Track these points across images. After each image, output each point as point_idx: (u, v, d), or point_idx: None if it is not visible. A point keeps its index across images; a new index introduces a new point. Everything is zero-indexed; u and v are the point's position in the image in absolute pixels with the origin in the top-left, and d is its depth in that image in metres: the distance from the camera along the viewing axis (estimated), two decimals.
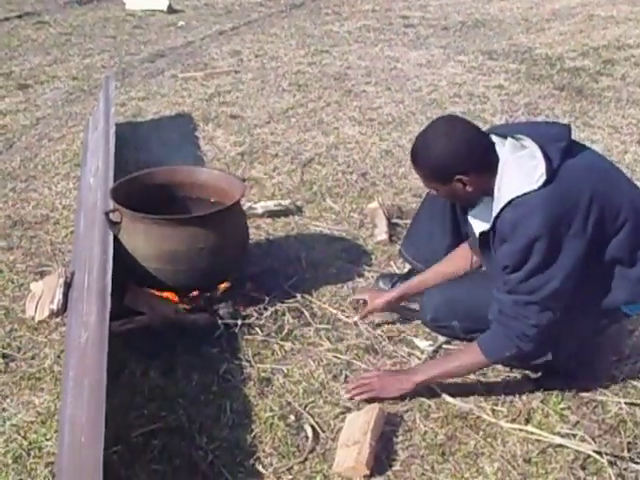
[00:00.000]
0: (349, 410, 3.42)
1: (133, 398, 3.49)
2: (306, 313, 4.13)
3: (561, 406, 3.48)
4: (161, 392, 3.54)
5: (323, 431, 3.33)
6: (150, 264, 3.89)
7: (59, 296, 4.08)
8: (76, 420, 3.03)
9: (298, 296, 4.25)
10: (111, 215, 3.95)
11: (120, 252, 3.83)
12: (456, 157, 3.22)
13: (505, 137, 3.29)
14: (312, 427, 3.33)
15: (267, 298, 4.16)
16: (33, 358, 3.77)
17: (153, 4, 10.92)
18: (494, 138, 3.31)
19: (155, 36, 9.59)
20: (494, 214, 3.20)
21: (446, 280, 3.80)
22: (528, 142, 3.22)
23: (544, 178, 3.10)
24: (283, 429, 3.33)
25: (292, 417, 3.40)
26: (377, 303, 3.96)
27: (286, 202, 5.12)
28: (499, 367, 3.64)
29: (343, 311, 4.14)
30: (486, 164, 3.24)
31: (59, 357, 3.75)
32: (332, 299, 4.25)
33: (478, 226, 3.41)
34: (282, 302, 4.17)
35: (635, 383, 3.64)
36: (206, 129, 6.56)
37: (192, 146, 6.20)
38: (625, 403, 3.51)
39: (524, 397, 3.54)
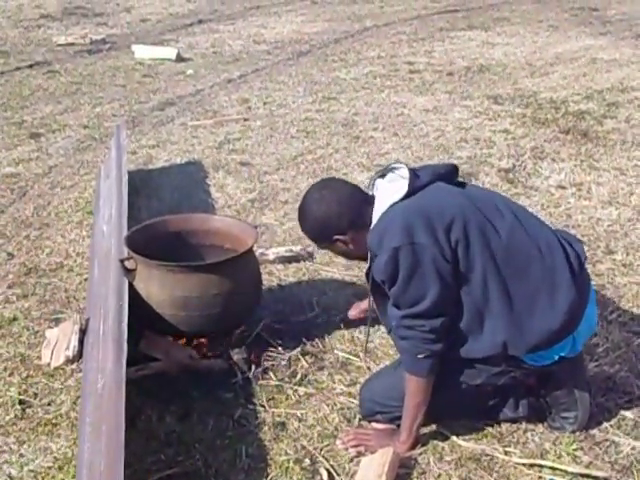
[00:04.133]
0: (364, 453, 3.45)
1: (150, 443, 3.53)
2: (319, 358, 4.17)
3: (573, 447, 3.51)
4: (177, 437, 3.58)
5: (338, 474, 3.37)
6: (164, 310, 3.94)
7: (74, 343, 4.13)
8: (94, 466, 3.06)
9: (311, 341, 4.30)
10: (126, 262, 4.00)
11: (134, 299, 3.88)
12: (328, 219, 3.41)
13: (385, 176, 3.44)
14: (327, 471, 3.37)
15: (281, 343, 4.21)
16: (49, 404, 3.82)
17: (162, 53, 11.02)
18: (378, 182, 3.46)
19: (164, 84, 9.68)
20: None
21: None
22: (403, 169, 3.38)
23: (405, 190, 3.26)
24: (299, 473, 3.37)
25: (307, 461, 3.44)
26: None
27: (297, 248, 5.17)
28: (509, 412, 3.66)
29: (356, 355, 4.18)
30: (361, 220, 3.37)
31: (75, 403, 3.79)
32: (345, 343, 4.29)
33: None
34: (295, 347, 4.22)
35: None
36: (216, 176, 6.62)
37: (203, 193, 6.27)
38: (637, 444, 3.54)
39: (536, 438, 3.58)
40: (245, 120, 8.14)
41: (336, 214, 3.39)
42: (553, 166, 6.80)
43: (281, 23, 13.60)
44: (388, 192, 3.33)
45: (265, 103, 8.76)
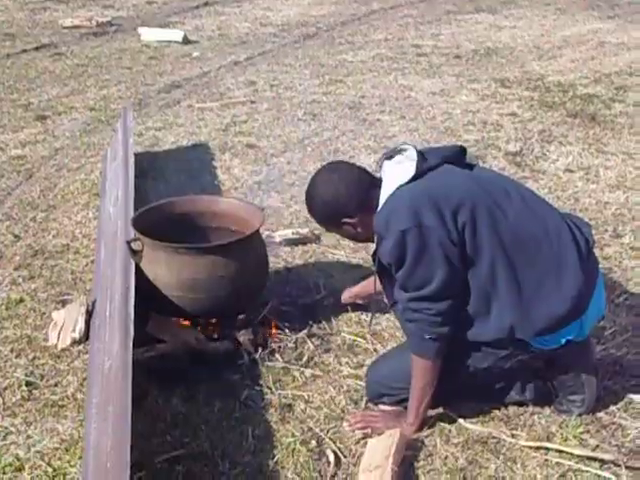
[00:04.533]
0: (370, 435, 3.45)
1: (156, 425, 3.53)
2: (326, 340, 4.17)
3: (580, 430, 3.51)
4: (183, 419, 3.58)
5: (345, 456, 3.37)
6: (171, 292, 3.93)
7: (81, 324, 4.13)
8: (101, 446, 3.07)
9: (318, 323, 4.29)
10: (133, 244, 4.00)
11: (141, 280, 3.88)
12: (336, 202, 3.38)
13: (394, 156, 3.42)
14: (334, 452, 3.37)
15: (287, 325, 4.20)
16: (56, 385, 3.82)
17: (168, 35, 11.00)
18: (385, 164, 3.43)
19: (171, 67, 9.66)
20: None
21: None
22: (410, 151, 3.35)
23: (412, 173, 3.23)
24: (305, 454, 3.36)
25: (314, 442, 3.44)
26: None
27: (304, 230, 5.16)
28: (516, 395, 3.65)
29: (363, 337, 4.17)
30: (369, 203, 3.35)
31: (82, 384, 3.80)
32: (351, 326, 4.28)
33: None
34: (302, 329, 4.21)
35: None
36: (223, 159, 6.61)
37: (209, 175, 6.26)
38: None
39: (543, 421, 3.57)
40: (252, 102, 8.14)
41: (344, 197, 3.36)
42: (561, 149, 6.79)
43: (287, 5, 13.57)
44: (395, 174, 3.31)
45: (272, 86, 8.75)
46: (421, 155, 3.30)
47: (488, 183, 3.37)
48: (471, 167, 3.46)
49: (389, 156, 3.44)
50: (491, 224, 3.23)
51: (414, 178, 3.24)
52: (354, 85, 8.73)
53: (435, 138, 7.02)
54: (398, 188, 3.25)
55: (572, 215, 3.80)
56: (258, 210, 4.35)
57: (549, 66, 9.62)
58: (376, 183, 3.38)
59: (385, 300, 3.73)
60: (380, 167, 3.46)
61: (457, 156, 3.42)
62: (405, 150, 3.39)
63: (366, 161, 6.38)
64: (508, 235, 3.25)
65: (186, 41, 10.84)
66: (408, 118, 7.59)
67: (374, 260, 3.43)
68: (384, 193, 3.31)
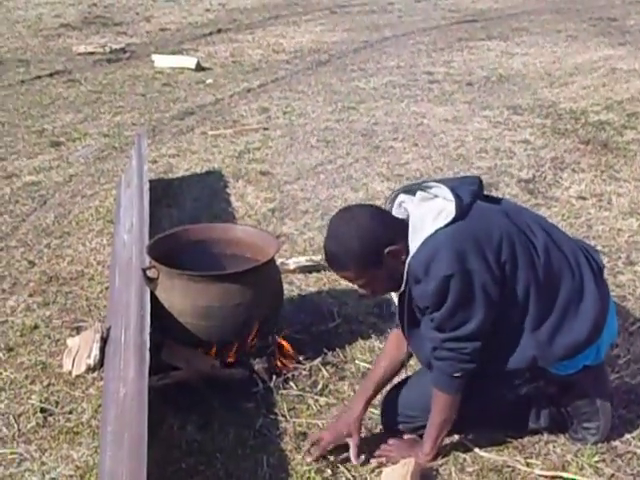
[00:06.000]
0: (385, 464, 3.45)
1: (171, 452, 3.54)
2: (340, 368, 4.17)
3: (595, 459, 3.50)
4: (198, 446, 3.58)
5: None
6: (186, 319, 3.95)
7: (96, 351, 4.14)
8: (116, 474, 3.08)
9: (332, 351, 4.30)
10: (148, 272, 4.02)
11: (156, 308, 3.89)
12: (374, 232, 3.23)
13: (414, 192, 3.34)
14: None
15: (301, 353, 4.21)
16: (71, 412, 3.84)
17: (182, 62, 11.05)
18: (403, 197, 3.37)
19: (184, 94, 9.70)
20: (407, 261, 3.21)
21: (391, 370, 3.65)
22: (437, 188, 3.26)
23: (453, 215, 3.16)
24: None
25: (329, 471, 3.44)
26: (354, 427, 3.53)
27: (317, 258, 5.16)
28: (531, 422, 3.65)
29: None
30: (400, 234, 3.25)
31: (96, 412, 3.81)
32: (365, 354, 4.29)
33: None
34: (316, 357, 4.21)
35: None
36: (237, 186, 6.63)
37: (223, 203, 6.28)
38: None
39: (558, 450, 3.57)
40: (265, 129, 8.16)
41: (378, 224, 3.26)
42: (573, 177, 6.79)
43: (300, 32, 13.61)
44: (427, 212, 3.23)
45: (285, 112, 8.77)
46: (455, 194, 3.21)
47: (515, 217, 3.35)
48: (495, 200, 3.46)
49: (407, 191, 3.39)
50: (528, 260, 3.24)
51: (454, 219, 3.18)
52: (367, 112, 8.75)
53: (448, 165, 7.04)
54: (437, 230, 3.16)
55: (581, 240, 3.82)
56: (273, 238, 4.37)
57: (561, 93, 9.63)
58: (400, 221, 3.31)
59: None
60: (394, 199, 3.42)
61: (481, 189, 3.40)
62: (430, 187, 3.30)
63: (379, 188, 6.42)
64: (541, 270, 3.26)
65: (199, 68, 10.89)
66: (421, 145, 7.59)
67: (401, 302, 3.38)
68: (418, 233, 3.21)
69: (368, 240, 3.23)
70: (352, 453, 3.50)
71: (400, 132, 8.00)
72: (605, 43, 12.62)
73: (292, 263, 5.12)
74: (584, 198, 6.34)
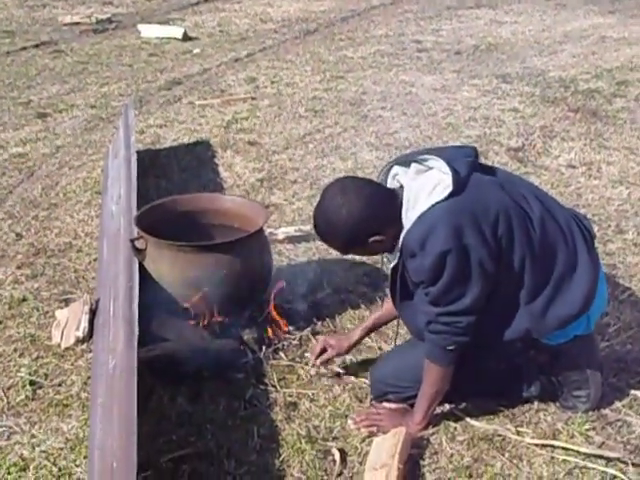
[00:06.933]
0: (376, 433, 3.44)
1: (161, 424, 3.52)
2: None
3: (586, 427, 3.51)
4: (189, 418, 3.57)
5: (350, 455, 3.36)
6: (175, 290, 3.93)
7: (84, 323, 4.12)
8: (107, 446, 3.06)
9: (322, 321, 4.29)
10: (136, 242, 3.99)
11: (145, 279, 3.87)
12: (362, 223, 3.20)
13: (408, 164, 3.29)
14: (339, 451, 3.36)
15: (291, 323, 4.20)
16: (60, 385, 3.81)
17: (168, 32, 11.00)
18: (397, 169, 3.33)
19: (171, 64, 9.65)
20: (402, 236, 3.19)
21: (389, 314, 3.77)
22: (433, 161, 3.22)
23: (450, 189, 3.11)
24: (310, 453, 3.36)
25: (319, 441, 3.43)
26: (344, 347, 3.85)
27: (307, 227, 5.13)
28: (522, 391, 3.65)
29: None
30: (393, 214, 3.22)
31: (86, 384, 3.79)
32: (355, 323, 4.27)
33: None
34: (306, 327, 4.20)
35: None
36: (225, 156, 6.60)
37: (211, 173, 6.25)
38: None
39: (549, 418, 3.57)
40: (253, 99, 8.13)
41: (369, 216, 3.22)
42: (563, 145, 6.78)
43: (288, 1, 13.56)
44: (422, 187, 3.18)
45: (273, 82, 8.74)
46: (453, 168, 3.16)
47: (510, 189, 3.31)
48: (490, 170, 3.42)
49: (402, 162, 3.35)
50: (524, 233, 3.21)
51: (451, 194, 3.12)
52: (355, 81, 8.72)
53: (436, 134, 7.02)
54: (434, 204, 3.11)
55: (572, 209, 3.79)
56: (262, 208, 4.34)
57: (550, 61, 9.61)
58: (394, 194, 3.28)
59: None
60: (387, 171, 3.39)
61: (477, 160, 3.36)
62: (425, 160, 3.25)
63: (367, 157, 6.40)
64: (537, 242, 3.24)
65: (186, 38, 10.84)
66: (409, 114, 7.57)
67: (394, 274, 3.35)
68: (412, 207, 3.18)
69: (356, 229, 3.22)
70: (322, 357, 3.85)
71: (388, 101, 7.98)
72: (595, 11, 12.61)
73: (281, 233, 5.10)
74: (573, 167, 6.33)
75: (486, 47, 10.29)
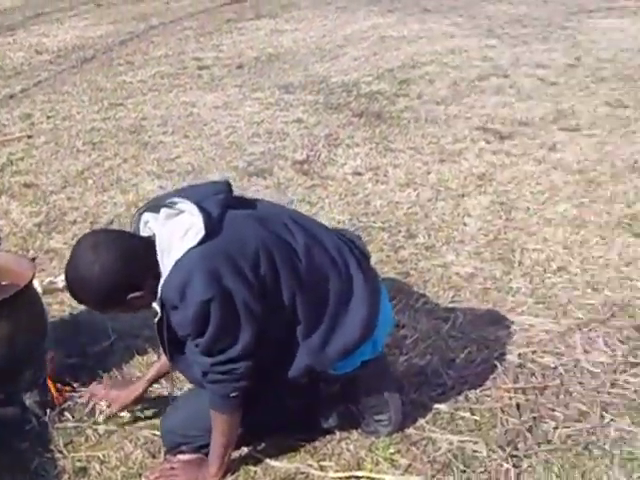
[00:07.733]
0: None
1: None
2: None
3: (390, 451, 3.40)
4: None
5: None
6: None
7: None
8: None
9: (109, 372, 4.04)
10: None
11: None
12: (118, 279, 3.00)
13: (158, 209, 3.12)
14: None
15: (76, 379, 3.95)
16: None
17: None
18: (147, 215, 3.15)
19: None
20: (160, 286, 3.01)
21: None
22: (183, 204, 3.06)
23: (202, 233, 2.95)
24: None
25: None
26: (129, 398, 3.66)
27: None
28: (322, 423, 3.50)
29: (158, 383, 3.92)
30: (149, 265, 3.03)
31: None
32: (143, 369, 4.04)
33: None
34: (92, 381, 3.92)
35: (462, 414, 3.60)
36: (0, 202, 6.23)
37: None
38: (457, 440, 3.45)
39: (351, 447, 3.44)
40: (29, 137, 7.75)
41: (125, 271, 2.99)
42: (348, 152, 6.72)
43: (64, 30, 13.16)
44: (173, 232, 3.00)
45: (49, 117, 8.38)
46: (203, 209, 2.99)
47: (271, 221, 3.16)
48: (248, 203, 3.26)
49: (152, 208, 3.14)
50: (290, 266, 3.06)
51: (204, 238, 2.95)
52: (134, 107, 8.46)
53: (220, 155, 6.84)
54: (189, 250, 2.93)
55: (342, 230, 3.71)
56: (28, 260, 4.06)
57: (332, 67, 9.60)
58: (149, 243, 3.06)
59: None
60: (138, 221, 3.18)
61: (230, 195, 3.20)
62: (174, 203, 3.07)
63: (149, 187, 6.17)
64: (305, 273, 3.10)
65: None
66: (192, 137, 7.38)
67: (159, 330, 3.13)
68: (167, 255, 2.99)
69: (112, 286, 2.99)
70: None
71: (169, 125, 7.77)
72: (374, 12, 12.76)
73: (60, 281, 4.80)
74: (360, 174, 6.26)
75: (267, 58, 10.21)
